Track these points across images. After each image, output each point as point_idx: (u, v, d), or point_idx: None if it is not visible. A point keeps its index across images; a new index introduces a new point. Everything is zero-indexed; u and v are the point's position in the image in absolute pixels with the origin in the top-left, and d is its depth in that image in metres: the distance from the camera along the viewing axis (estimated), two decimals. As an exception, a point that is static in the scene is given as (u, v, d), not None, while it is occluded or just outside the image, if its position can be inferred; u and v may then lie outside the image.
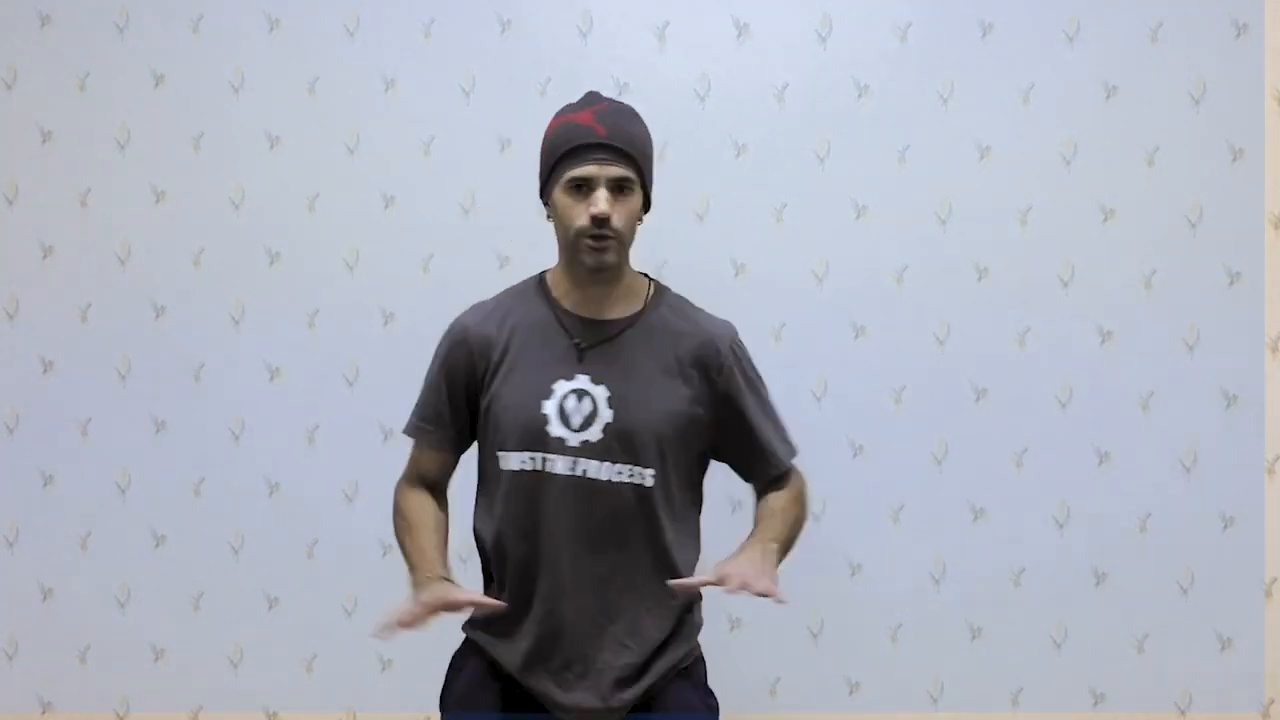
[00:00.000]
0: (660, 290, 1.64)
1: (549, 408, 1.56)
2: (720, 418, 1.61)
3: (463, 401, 1.67)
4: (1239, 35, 2.29)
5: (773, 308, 2.33)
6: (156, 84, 2.38)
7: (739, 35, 2.34)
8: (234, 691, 2.38)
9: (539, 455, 1.57)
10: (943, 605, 2.34)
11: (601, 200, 1.50)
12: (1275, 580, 2.31)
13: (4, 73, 2.39)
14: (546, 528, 1.58)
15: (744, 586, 1.42)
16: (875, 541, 2.34)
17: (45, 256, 2.39)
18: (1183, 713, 2.32)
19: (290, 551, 2.38)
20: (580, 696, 1.57)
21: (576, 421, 1.55)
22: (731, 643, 2.33)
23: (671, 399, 1.56)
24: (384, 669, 2.37)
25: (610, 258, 1.53)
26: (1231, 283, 2.31)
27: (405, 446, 2.39)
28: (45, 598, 2.40)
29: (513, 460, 1.59)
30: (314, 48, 2.37)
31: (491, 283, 2.36)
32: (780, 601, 1.43)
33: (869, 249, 2.33)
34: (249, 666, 2.38)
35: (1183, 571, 2.32)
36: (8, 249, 2.39)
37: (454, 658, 1.71)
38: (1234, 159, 2.30)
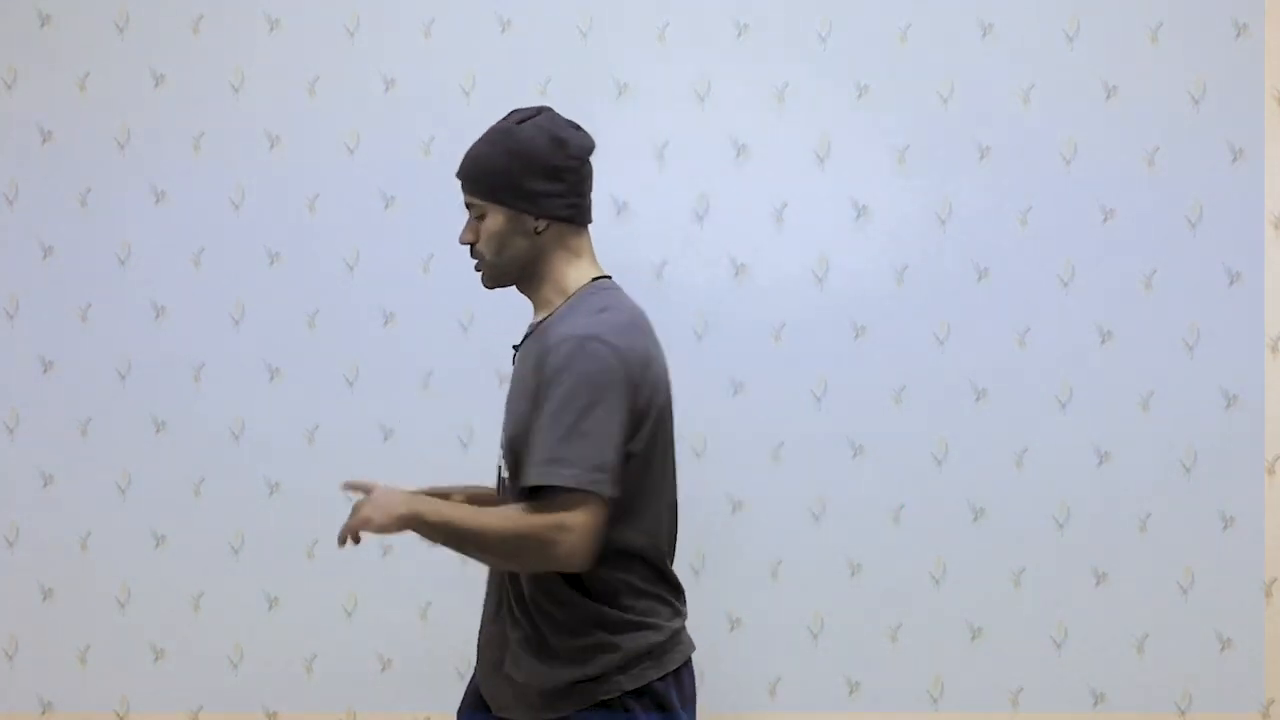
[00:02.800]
0: (582, 296, 1.55)
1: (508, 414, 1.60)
2: None
3: None
4: (1239, 35, 2.29)
5: (773, 308, 2.33)
6: (156, 84, 2.38)
7: (739, 35, 2.34)
8: (234, 691, 2.38)
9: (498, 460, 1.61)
10: (943, 605, 2.34)
11: (464, 229, 1.59)
12: (1275, 580, 2.31)
13: (4, 73, 2.39)
14: None
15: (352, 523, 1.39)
16: (875, 541, 2.34)
17: (45, 256, 2.39)
18: (1183, 713, 2.32)
19: (290, 551, 2.38)
20: (493, 703, 1.59)
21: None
22: (731, 643, 2.33)
23: (520, 404, 1.51)
24: (384, 669, 2.37)
25: (484, 281, 1.59)
26: (1231, 283, 2.31)
27: (404, 446, 2.40)
28: (45, 598, 2.40)
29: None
30: (314, 48, 2.37)
31: (491, 283, 2.35)
32: (341, 539, 1.39)
33: (869, 249, 2.33)
34: (249, 666, 2.38)
35: (1182, 571, 2.32)
36: (8, 249, 2.39)
37: None
38: (1234, 159, 2.30)
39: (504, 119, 1.60)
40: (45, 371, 2.39)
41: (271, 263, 2.38)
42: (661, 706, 1.51)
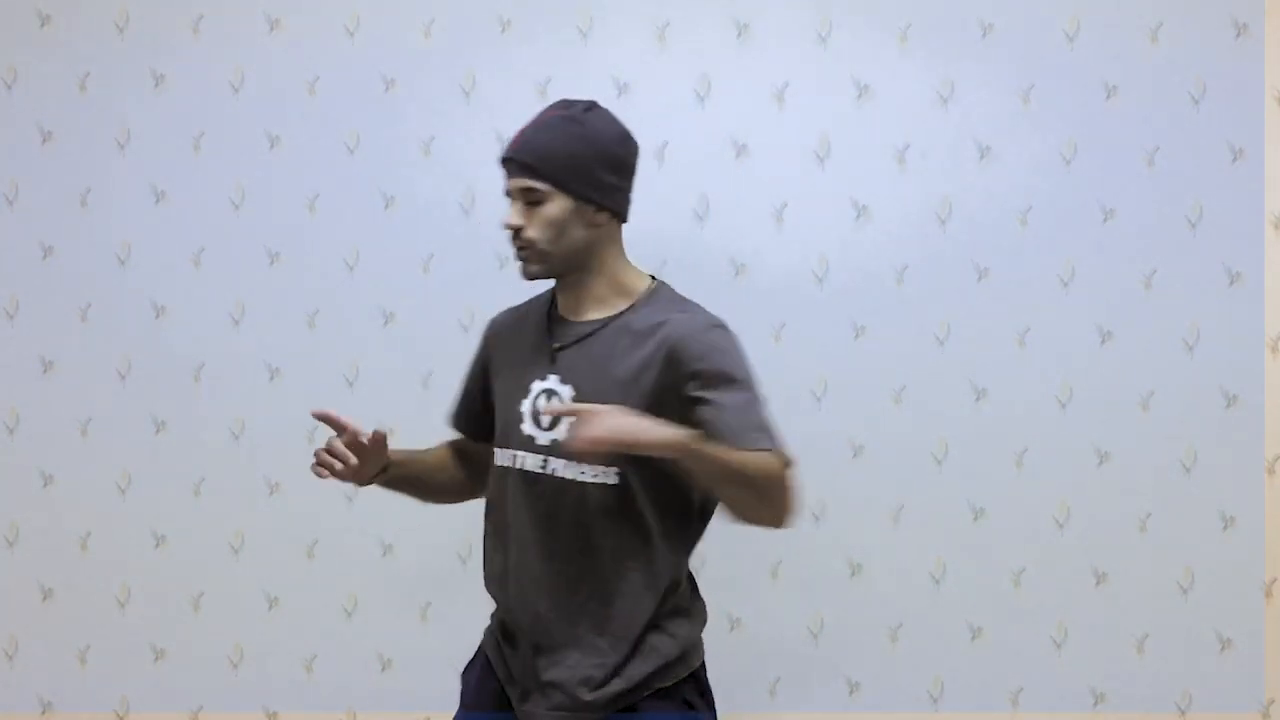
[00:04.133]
0: (657, 292, 1.60)
1: (524, 406, 1.58)
2: (685, 413, 1.50)
3: (479, 394, 1.74)
4: (1239, 35, 2.29)
5: (773, 308, 2.33)
6: (156, 84, 2.38)
7: (739, 35, 2.34)
8: (234, 691, 2.38)
9: (511, 452, 1.60)
10: (943, 605, 2.34)
11: (511, 212, 1.54)
12: (1275, 580, 2.31)
13: (4, 73, 2.39)
14: (515, 525, 1.59)
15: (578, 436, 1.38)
16: (875, 541, 2.34)
17: (45, 256, 2.39)
18: (1183, 713, 2.32)
19: (290, 551, 2.38)
20: (532, 707, 1.57)
21: (546, 420, 1.56)
22: (731, 643, 2.33)
23: (634, 398, 1.51)
24: (384, 669, 2.37)
25: (531, 268, 1.56)
26: (1231, 283, 2.31)
27: (405, 445, 2.39)
28: (45, 598, 2.40)
29: (499, 457, 1.63)
30: (314, 48, 2.37)
31: (491, 283, 2.37)
32: (570, 453, 1.44)
33: (869, 249, 2.33)
34: (249, 666, 2.38)
35: (1183, 571, 2.32)
36: (8, 249, 2.39)
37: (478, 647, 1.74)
38: (1234, 159, 2.30)
39: (560, 107, 1.57)
40: (45, 371, 2.39)
41: (271, 263, 2.38)
42: (706, 693, 1.62)
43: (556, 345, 1.59)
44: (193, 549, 2.38)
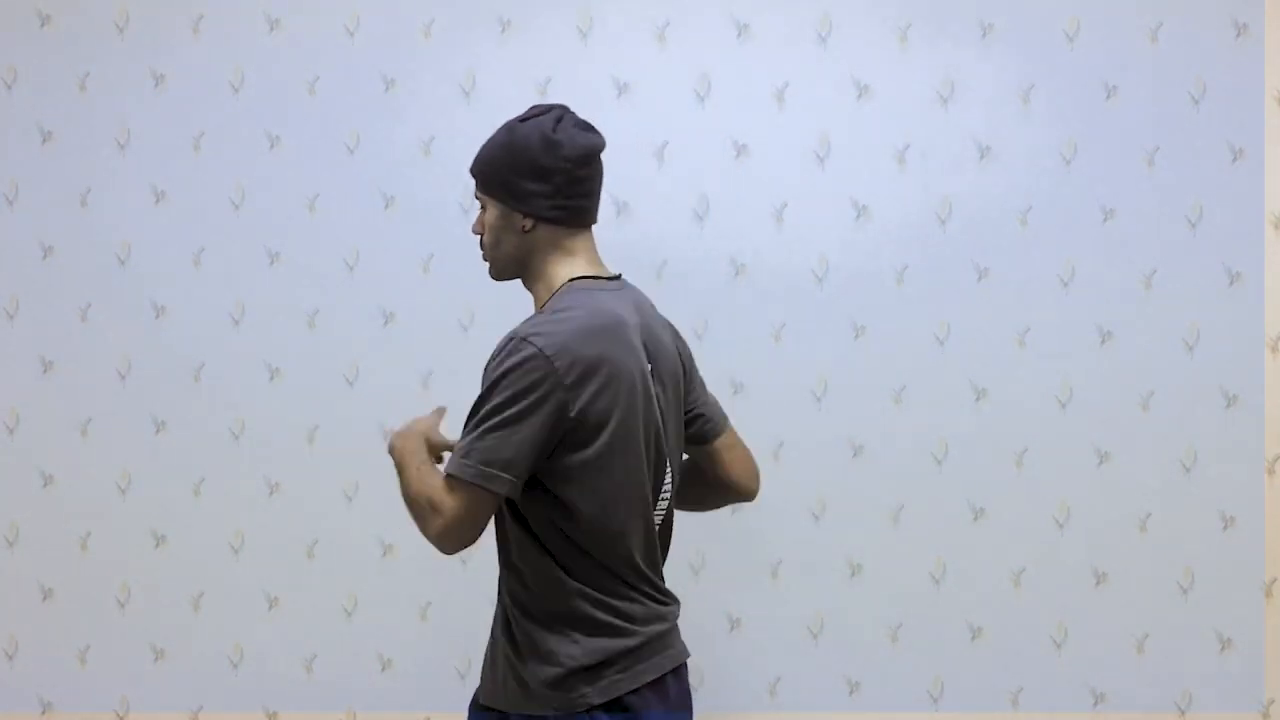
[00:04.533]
0: (552, 299, 1.56)
1: None
2: None
3: None
4: (1239, 35, 2.29)
5: (773, 308, 2.33)
6: (156, 84, 2.38)
7: (739, 35, 2.34)
8: (234, 691, 2.38)
9: None
10: (943, 605, 2.34)
11: (475, 218, 1.63)
12: (1275, 580, 2.31)
13: (4, 73, 2.39)
14: None
15: None
16: (875, 541, 2.34)
17: (45, 256, 2.39)
18: (1183, 713, 2.32)
19: (290, 551, 2.38)
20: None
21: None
22: (731, 643, 2.33)
23: None
24: (384, 669, 2.37)
25: (490, 271, 1.63)
26: (1231, 283, 2.31)
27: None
28: (45, 598, 2.40)
29: None
30: (314, 48, 2.37)
31: (491, 284, 2.36)
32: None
33: (869, 249, 2.33)
34: (249, 666, 2.38)
35: (1183, 571, 2.32)
36: (8, 249, 2.39)
37: None
38: (1234, 159, 2.30)
39: (516, 119, 1.60)
40: (45, 371, 2.39)
41: (271, 263, 2.38)
42: None
43: None
44: (193, 549, 2.38)
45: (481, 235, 1.61)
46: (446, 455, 1.56)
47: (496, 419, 1.45)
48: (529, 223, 1.56)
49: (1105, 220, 2.32)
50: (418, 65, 2.36)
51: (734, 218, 2.34)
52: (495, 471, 1.44)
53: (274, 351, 2.37)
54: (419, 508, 1.52)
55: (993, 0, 2.31)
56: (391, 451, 1.58)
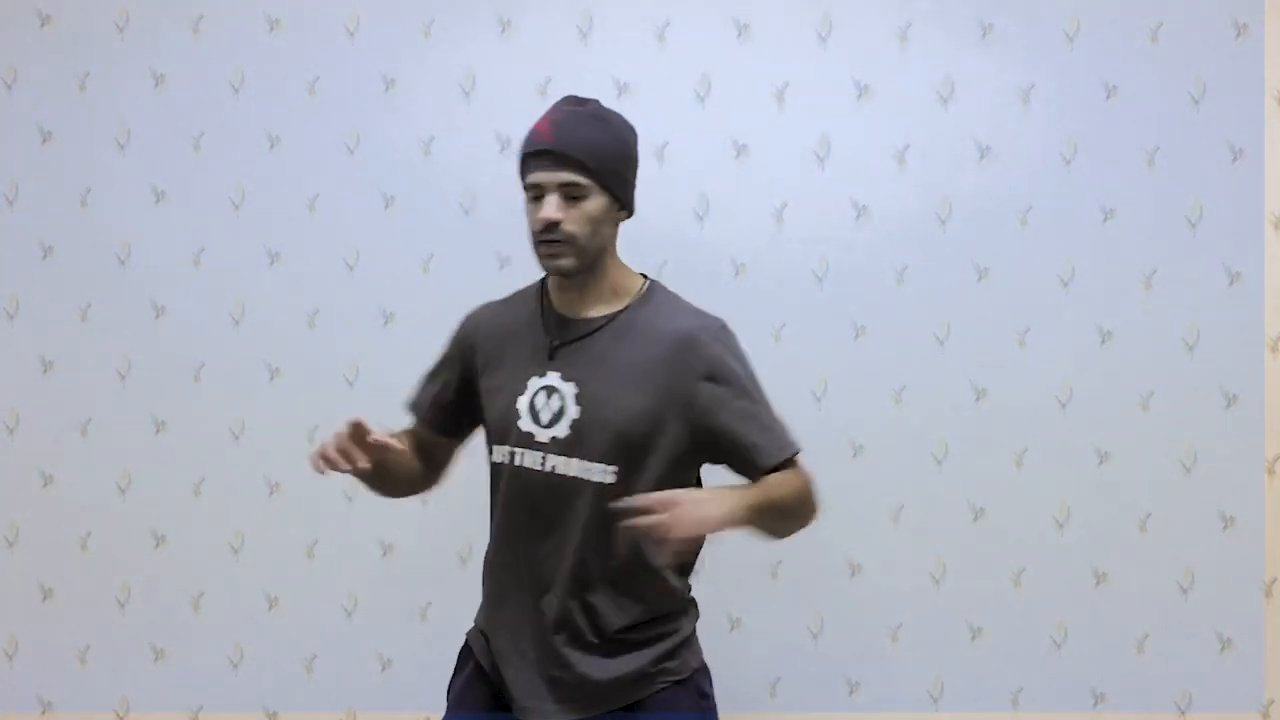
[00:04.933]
0: (652, 290, 1.62)
1: (521, 403, 1.58)
2: (693, 416, 1.54)
3: (452, 389, 1.71)
4: (1239, 35, 2.29)
5: (773, 308, 2.33)
6: (156, 84, 2.38)
7: (739, 35, 2.34)
8: (234, 691, 2.38)
9: (509, 449, 1.59)
10: (943, 605, 2.34)
11: (549, 206, 1.51)
12: (1275, 580, 2.31)
13: (4, 73, 2.39)
14: (516, 522, 1.59)
15: (655, 528, 1.35)
16: (875, 541, 2.34)
17: (45, 256, 2.39)
18: (1183, 713, 2.32)
19: (290, 551, 2.38)
20: (538, 702, 1.57)
21: (545, 417, 1.56)
22: (731, 643, 2.33)
23: (639, 396, 1.53)
24: (384, 669, 2.37)
25: (565, 262, 1.53)
26: (1231, 283, 2.31)
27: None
28: (45, 598, 2.40)
29: (496, 454, 1.63)
30: (314, 48, 2.37)
31: (491, 283, 2.36)
32: (656, 542, 1.36)
33: (869, 249, 2.33)
34: (249, 666, 2.39)
35: (1183, 571, 2.32)
36: (8, 249, 2.39)
37: (459, 652, 1.72)
38: (1234, 159, 2.30)
39: (576, 103, 1.57)
40: (45, 371, 2.39)
41: (271, 263, 2.38)
42: (710, 686, 1.66)
43: (555, 342, 1.58)
44: (193, 549, 2.39)
45: (568, 226, 1.51)
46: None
47: (765, 396, 1.59)
48: (623, 215, 1.59)
49: (1105, 220, 2.32)
50: (418, 65, 2.36)
51: (734, 218, 2.34)
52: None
53: (274, 351, 2.37)
54: (802, 507, 1.57)
55: (993, 0, 2.31)
56: (717, 523, 1.41)
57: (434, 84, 2.36)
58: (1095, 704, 2.33)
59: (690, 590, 1.69)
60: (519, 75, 2.34)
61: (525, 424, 1.57)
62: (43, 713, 2.40)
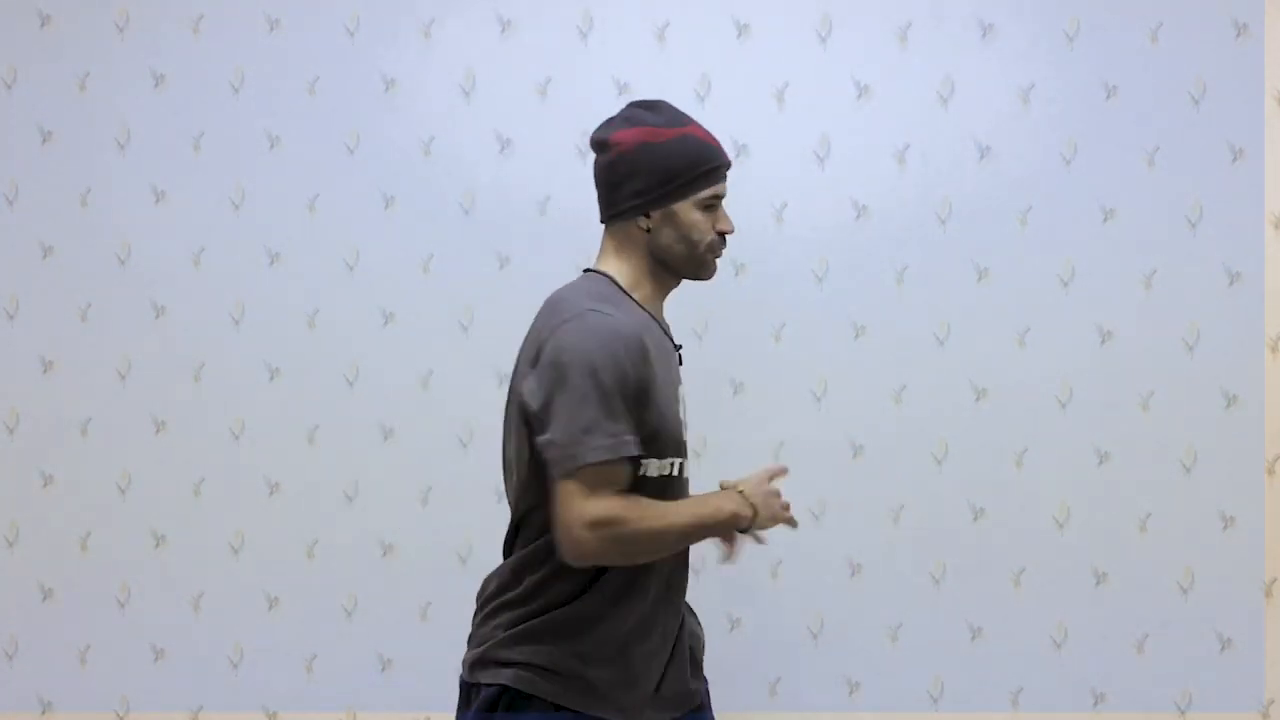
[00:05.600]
0: None
1: (684, 412, 1.59)
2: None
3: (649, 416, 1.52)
4: (1239, 35, 2.29)
5: (773, 308, 2.33)
6: (156, 84, 2.38)
7: (739, 35, 2.34)
8: (234, 691, 2.38)
9: (678, 461, 1.54)
10: (943, 605, 2.34)
11: (729, 218, 1.60)
12: (1275, 580, 2.31)
13: (4, 73, 2.39)
14: None
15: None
16: (875, 541, 2.34)
17: (45, 256, 2.39)
18: (1183, 713, 2.32)
19: (290, 551, 2.38)
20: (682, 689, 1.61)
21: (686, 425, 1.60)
22: (731, 643, 2.33)
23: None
24: (384, 669, 2.37)
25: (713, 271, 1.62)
26: (1231, 283, 2.31)
27: (405, 446, 2.40)
28: (45, 598, 2.40)
29: (652, 467, 1.49)
30: (314, 48, 2.37)
31: (492, 283, 2.37)
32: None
33: (869, 249, 2.33)
34: (249, 666, 2.38)
35: (1183, 571, 2.32)
36: (8, 249, 2.39)
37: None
38: (1234, 159, 2.30)
39: (632, 112, 1.60)
40: (45, 371, 2.39)
41: (271, 263, 2.38)
42: None
43: (679, 349, 1.63)
44: (193, 549, 2.38)
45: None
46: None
47: None
48: None
49: (1105, 220, 2.32)
50: (418, 65, 2.36)
51: (734, 218, 2.32)
52: None
53: (274, 351, 2.37)
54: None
55: (993, 0, 2.31)
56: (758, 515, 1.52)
57: (434, 84, 2.36)
58: (1095, 704, 2.33)
59: None
60: (519, 75, 2.34)
61: (687, 434, 1.59)
62: (43, 713, 2.40)
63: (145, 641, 2.39)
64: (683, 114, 1.60)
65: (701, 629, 1.68)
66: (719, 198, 1.58)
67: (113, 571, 2.39)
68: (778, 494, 1.56)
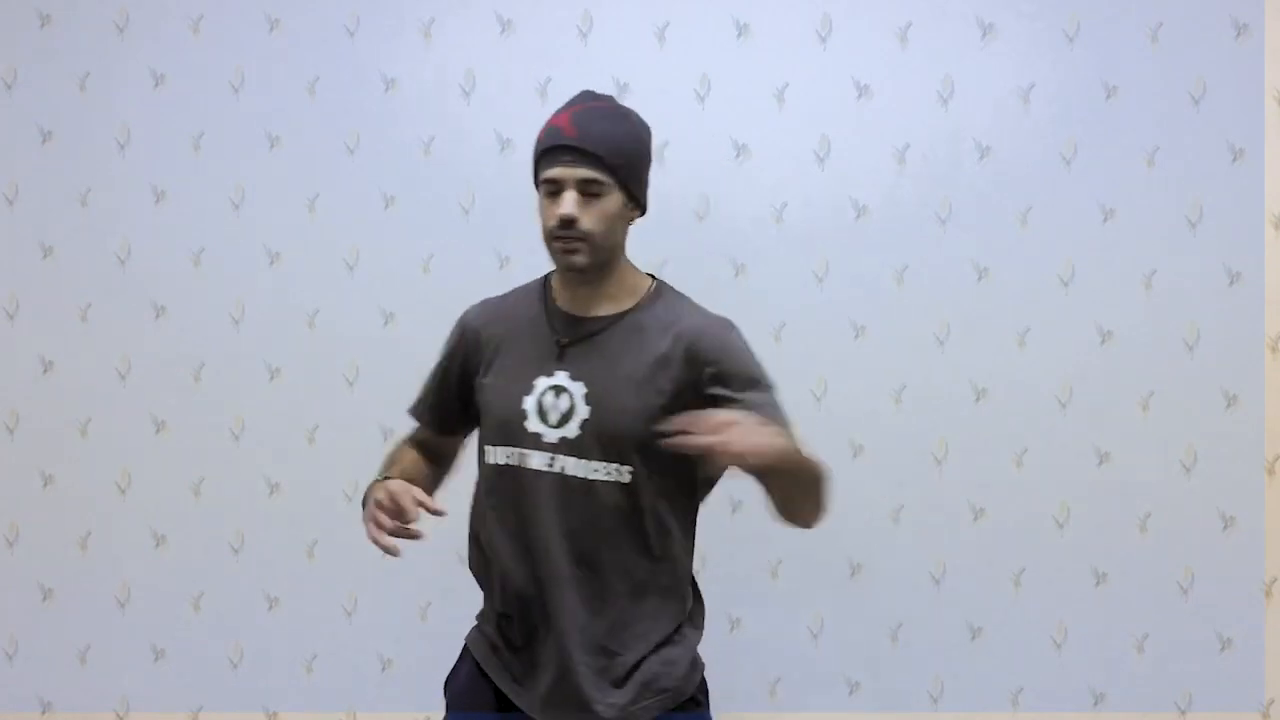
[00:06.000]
0: (660, 290, 1.61)
1: (528, 403, 1.55)
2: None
3: (455, 389, 1.69)
4: (1239, 35, 2.29)
5: (773, 308, 2.33)
6: (156, 84, 2.38)
7: (739, 35, 2.34)
8: (234, 691, 2.38)
9: (516, 450, 1.56)
10: (943, 605, 2.34)
11: (567, 202, 1.48)
12: (1275, 580, 2.31)
13: (4, 73, 2.39)
14: (531, 525, 1.57)
15: (728, 446, 1.32)
16: (875, 541, 2.34)
17: (45, 256, 2.39)
18: (1183, 713, 2.32)
19: (290, 551, 2.38)
20: (551, 705, 1.56)
21: (554, 418, 1.54)
22: (731, 643, 2.33)
23: (650, 395, 1.52)
24: (384, 669, 2.37)
25: (580, 259, 1.51)
26: (1231, 283, 2.31)
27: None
28: (45, 598, 2.40)
29: (497, 455, 1.59)
30: (314, 48, 2.37)
31: (491, 283, 2.35)
32: (721, 460, 1.33)
33: (869, 249, 2.33)
34: (249, 666, 2.38)
35: (1183, 571, 2.32)
36: (8, 249, 2.39)
37: (462, 649, 1.70)
38: (1234, 159, 2.30)
39: (594, 99, 1.56)
40: (45, 371, 2.39)
41: (271, 263, 2.38)
42: (707, 694, 1.66)
43: (564, 340, 1.57)
44: (193, 549, 2.39)
45: (585, 223, 1.48)
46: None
47: (777, 395, 1.56)
48: (638, 213, 1.57)
49: (1105, 220, 2.32)
50: (418, 65, 2.36)
51: (734, 218, 2.34)
52: None
53: (274, 351, 2.37)
54: (820, 496, 1.53)
55: (993, 0, 2.31)
56: (772, 451, 1.37)
57: (434, 84, 2.36)
58: (1095, 704, 2.33)
59: (693, 598, 1.66)
60: (519, 75, 2.34)
61: (533, 424, 1.55)
62: (43, 713, 2.40)
63: (145, 641, 2.39)
64: (573, 100, 1.56)
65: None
66: (554, 182, 1.49)
67: (113, 571, 2.39)
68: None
